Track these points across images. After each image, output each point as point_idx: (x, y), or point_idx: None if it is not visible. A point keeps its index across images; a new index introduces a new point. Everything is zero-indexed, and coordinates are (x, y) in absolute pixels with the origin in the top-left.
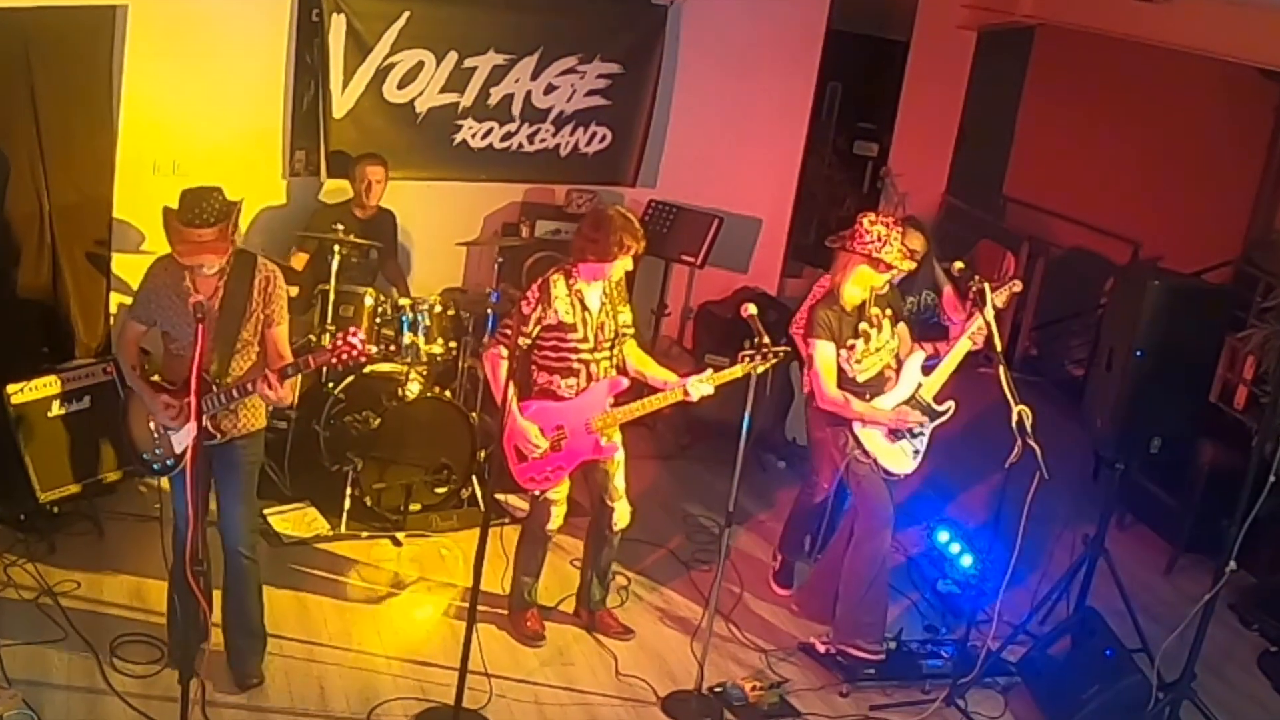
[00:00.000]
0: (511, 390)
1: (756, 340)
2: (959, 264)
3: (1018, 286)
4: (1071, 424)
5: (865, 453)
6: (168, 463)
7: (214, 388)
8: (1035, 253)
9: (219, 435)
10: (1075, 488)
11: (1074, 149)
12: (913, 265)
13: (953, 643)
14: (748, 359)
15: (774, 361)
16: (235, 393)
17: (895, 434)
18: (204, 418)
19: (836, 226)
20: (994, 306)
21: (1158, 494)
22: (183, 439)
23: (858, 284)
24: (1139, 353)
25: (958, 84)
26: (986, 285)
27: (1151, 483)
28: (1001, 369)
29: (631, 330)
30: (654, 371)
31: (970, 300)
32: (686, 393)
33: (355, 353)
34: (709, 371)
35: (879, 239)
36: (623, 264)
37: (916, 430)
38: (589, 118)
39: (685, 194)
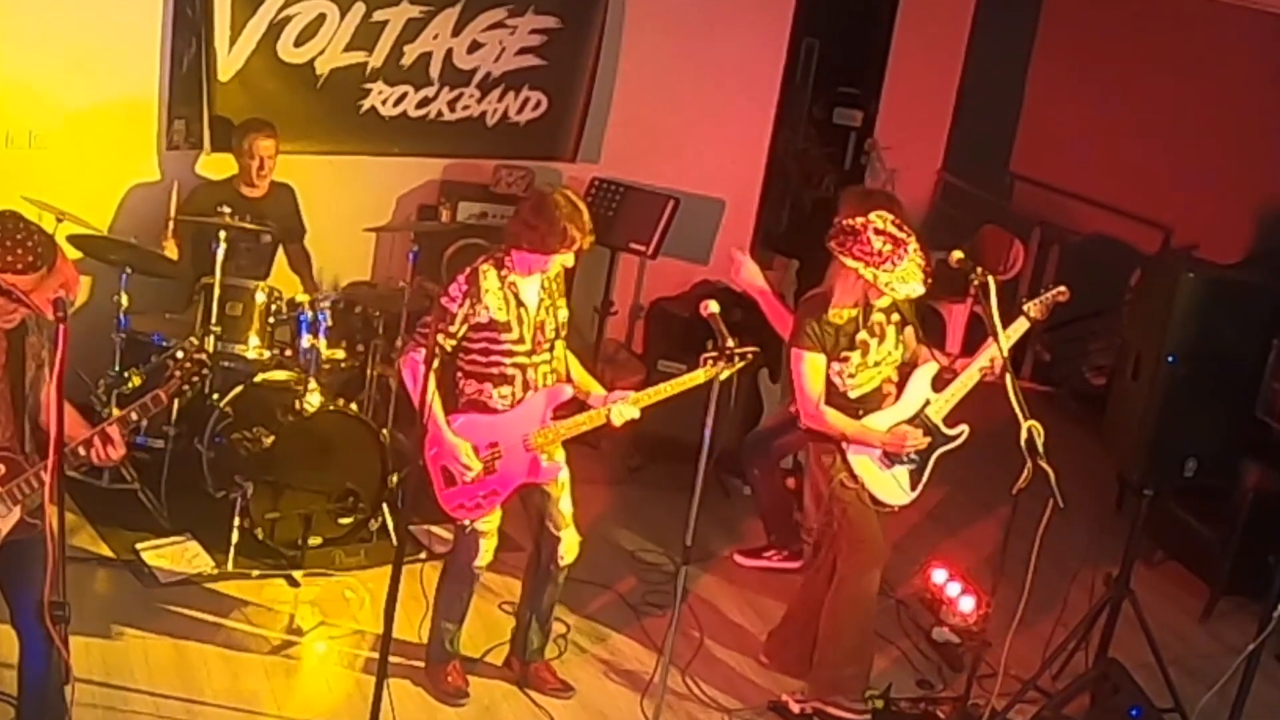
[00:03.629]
0: (438, 401)
1: (719, 342)
2: (957, 253)
3: (1063, 295)
4: (1091, 442)
5: (853, 477)
6: None
7: (24, 466)
8: (1048, 240)
9: (38, 523)
10: (1095, 518)
11: (1093, 118)
12: (920, 290)
13: (951, 700)
14: (710, 362)
15: (740, 365)
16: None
17: (890, 458)
18: (18, 506)
19: (812, 209)
20: (1029, 319)
21: (1193, 525)
22: None
23: (851, 296)
24: (1170, 358)
25: (956, 41)
26: (991, 278)
27: (1185, 512)
28: (1008, 377)
29: (564, 330)
30: (577, 378)
31: (972, 298)
32: (609, 418)
33: (203, 369)
34: (628, 395)
35: (879, 256)
36: (562, 259)
37: (914, 456)
38: (521, 81)
39: (634, 171)
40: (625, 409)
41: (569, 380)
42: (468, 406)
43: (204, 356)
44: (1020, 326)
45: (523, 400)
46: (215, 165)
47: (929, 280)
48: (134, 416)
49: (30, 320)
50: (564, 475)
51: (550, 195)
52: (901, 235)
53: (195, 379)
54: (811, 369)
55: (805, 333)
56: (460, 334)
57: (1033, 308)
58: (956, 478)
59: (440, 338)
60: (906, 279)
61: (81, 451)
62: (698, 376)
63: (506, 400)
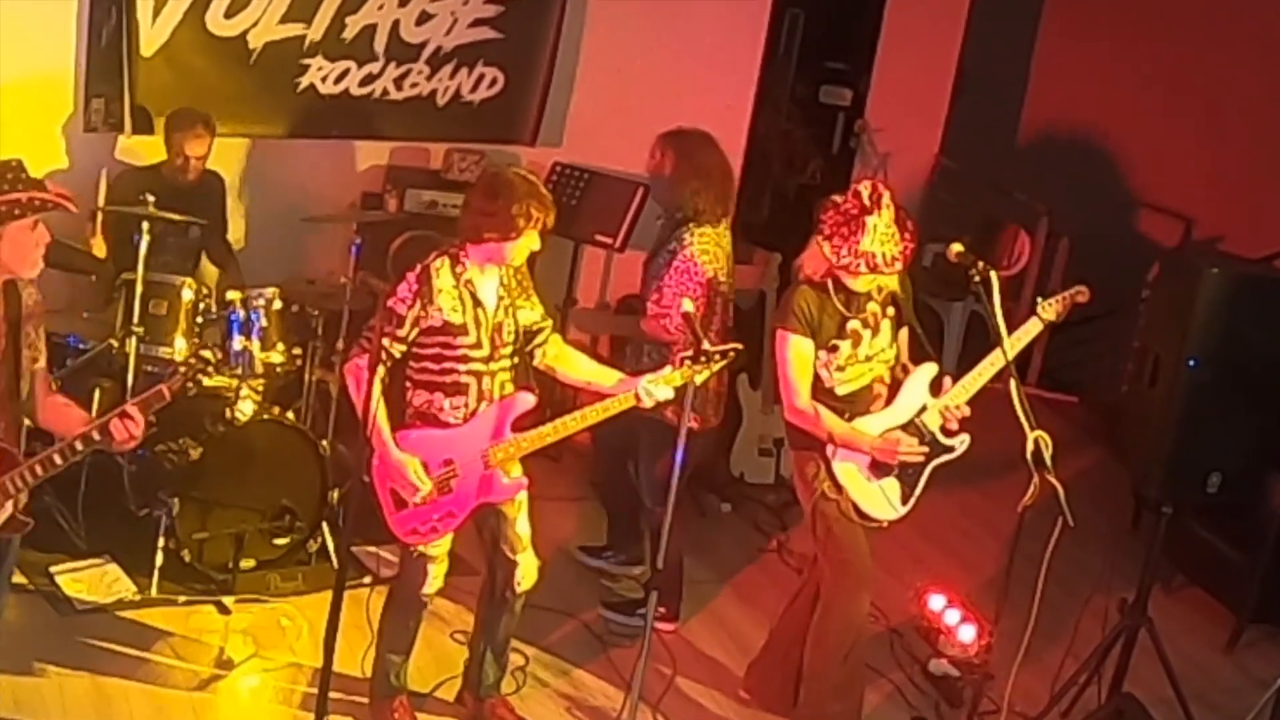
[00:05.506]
0: (384, 415)
1: (695, 343)
2: (958, 246)
3: (1083, 295)
4: (1105, 455)
5: (837, 487)
6: None
7: (18, 460)
8: (1057, 231)
9: (30, 521)
10: (1109, 538)
11: (1107, 97)
12: (883, 273)
13: None
14: (686, 362)
15: (718, 367)
16: (67, 453)
17: (879, 469)
18: (9, 501)
19: (796, 197)
20: (1042, 320)
21: (1216, 546)
22: None
23: (816, 265)
24: (1192, 362)
25: (956, 11)
26: (993, 273)
27: (1208, 532)
28: (1013, 383)
29: (549, 324)
30: (583, 374)
31: (970, 294)
32: (638, 398)
33: (208, 365)
34: (667, 369)
35: (838, 217)
36: (528, 242)
37: (909, 468)
38: (474, 56)
39: (600, 155)
40: (657, 389)
41: (529, 387)
42: (416, 419)
43: (208, 353)
44: (1031, 329)
45: (478, 412)
46: (137, 149)
47: (906, 255)
48: (153, 403)
49: (33, 312)
50: (522, 494)
51: (501, 173)
52: (867, 194)
53: (199, 375)
54: (797, 354)
55: (793, 312)
56: (410, 339)
57: (1047, 308)
58: (956, 493)
59: (387, 343)
60: (866, 258)
61: (96, 436)
62: (673, 379)
63: (459, 412)
